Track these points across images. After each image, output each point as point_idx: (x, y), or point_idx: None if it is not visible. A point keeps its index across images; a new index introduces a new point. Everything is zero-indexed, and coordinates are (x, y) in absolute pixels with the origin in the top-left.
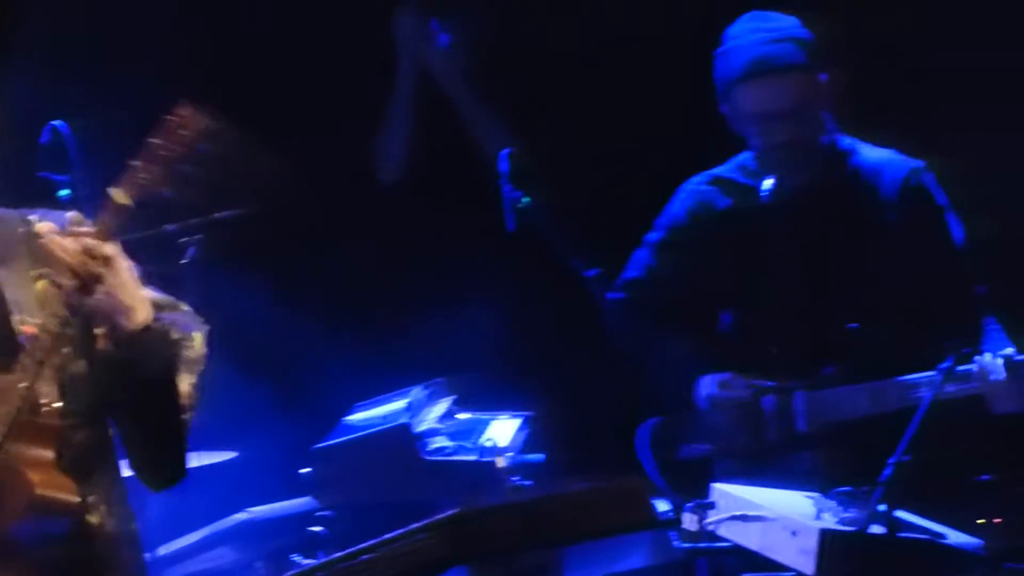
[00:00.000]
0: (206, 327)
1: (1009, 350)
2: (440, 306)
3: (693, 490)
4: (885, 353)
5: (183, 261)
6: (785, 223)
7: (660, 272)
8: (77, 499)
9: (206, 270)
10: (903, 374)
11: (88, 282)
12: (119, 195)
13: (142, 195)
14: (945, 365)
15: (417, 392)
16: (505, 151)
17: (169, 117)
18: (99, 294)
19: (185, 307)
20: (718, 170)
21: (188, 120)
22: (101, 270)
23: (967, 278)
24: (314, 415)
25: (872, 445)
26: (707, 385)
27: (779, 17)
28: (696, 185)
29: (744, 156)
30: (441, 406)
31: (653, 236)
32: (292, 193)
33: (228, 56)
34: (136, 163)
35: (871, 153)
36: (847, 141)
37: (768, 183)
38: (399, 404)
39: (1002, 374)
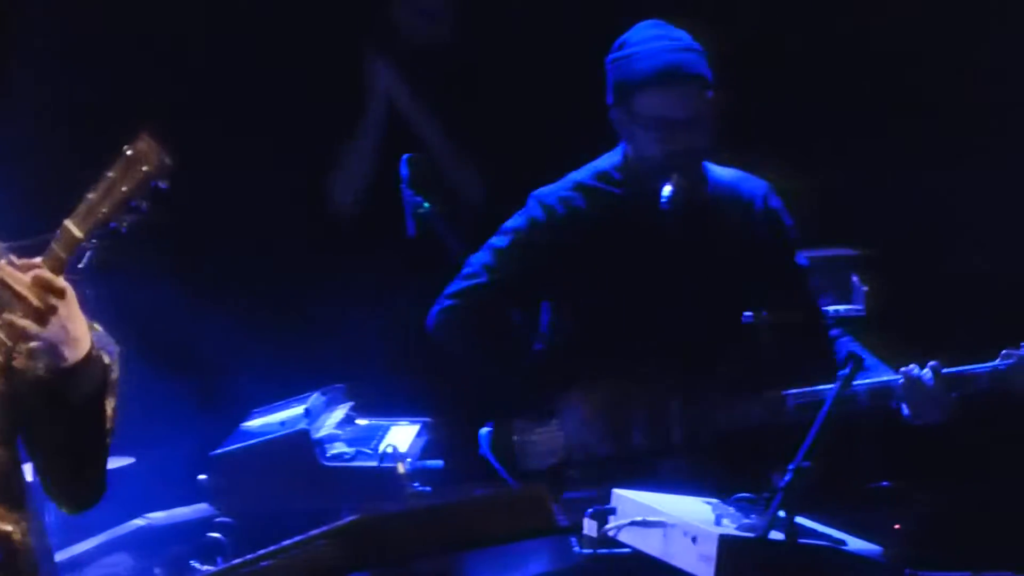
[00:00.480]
0: (119, 347)
1: (933, 362)
2: (338, 311)
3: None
4: (757, 365)
5: (79, 266)
6: (662, 232)
7: (509, 277)
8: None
9: (101, 276)
10: (772, 388)
11: (44, 314)
12: (72, 227)
13: (95, 229)
14: (844, 372)
15: (315, 398)
16: (405, 156)
17: (127, 150)
18: (53, 326)
19: (98, 327)
20: (577, 176)
21: (146, 154)
22: (56, 303)
23: (814, 295)
24: (212, 421)
25: (744, 457)
26: (574, 399)
27: (677, 29)
28: (557, 189)
29: (605, 164)
30: (339, 412)
31: (500, 241)
32: (192, 198)
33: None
34: (91, 195)
35: (721, 171)
36: None
37: (667, 190)
38: (297, 410)
39: (930, 383)
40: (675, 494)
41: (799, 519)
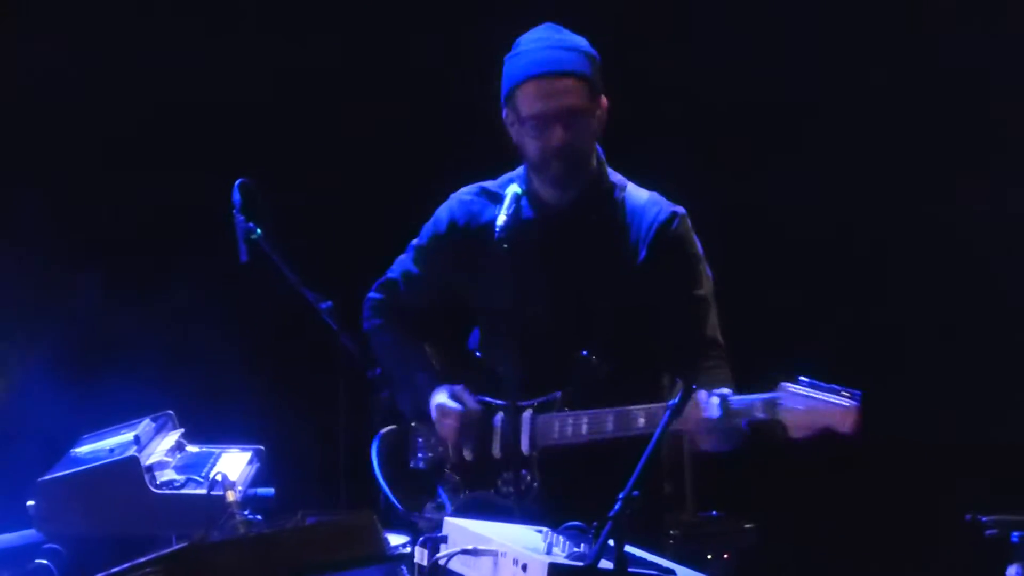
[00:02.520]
0: None
1: (726, 390)
2: (169, 336)
3: (422, 503)
4: (610, 384)
5: None
6: (539, 244)
7: (415, 277)
8: None
9: None
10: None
11: None
12: None
13: None
14: (674, 402)
15: (145, 424)
16: (239, 181)
17: None
18: None
19: None
20: (487, 183)
21: None
22: None
23: (702, 326)
24: (39, 446)
25: (590, 476)
26: (440, 396)
27: (572, 33)
28: (464, 195)
29: (513, 174)
30: (170, 438)
31: (416, 241)
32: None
33: None
34: None
35: (637, 193)
36: (617, 176)
37: (501, 219)
38: (127, 436)
39: (716, 412)
40: (515, 520)
41: (628, 548)
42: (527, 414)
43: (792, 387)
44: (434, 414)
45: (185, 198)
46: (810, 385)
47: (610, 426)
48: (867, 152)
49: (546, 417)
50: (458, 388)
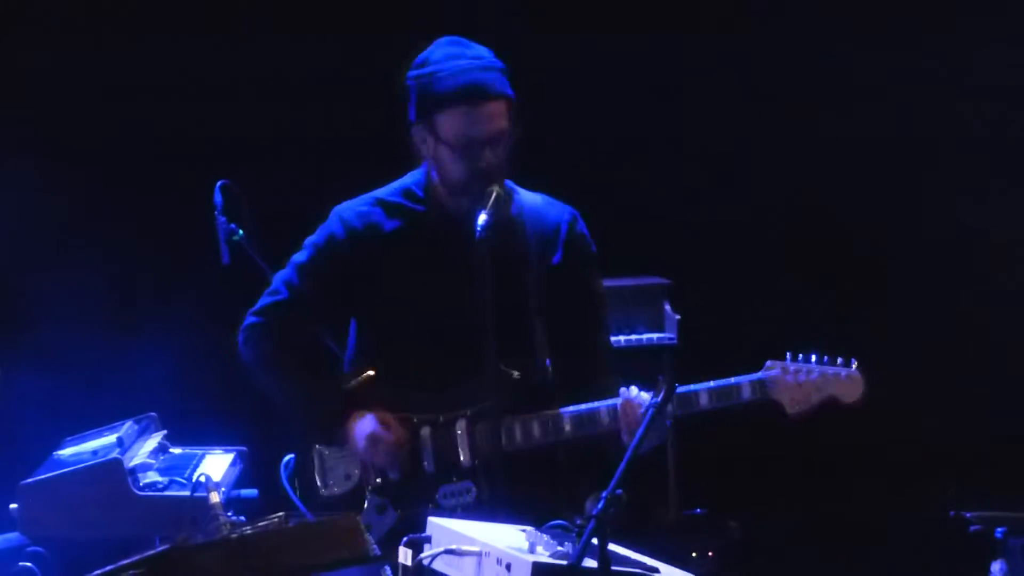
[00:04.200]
0: None
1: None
2: (150, 339)
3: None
4: (536, 390)
5: None
6: (459, 253)
7: (307, 294)
8: None
9: None
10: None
11: None
12: None
13: None
14: (656, 400)
15: (128, 426)
16: (220, 183)
17: None
18: None
19: None
20: (379, 193)
21: None
22: None
23: (604, 326)
24: (23, 449)
25: (534, 479)
26: (365, 424)
27: (477, 45)
28: (357, 206)
29: (408, 181)
30: (152, 440)
31: (301, 256)
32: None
33: None
34: None
35: (528, 196)
36: (508, 182)
37: (483, 218)
38: (110, 439)
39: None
40: (488, 521)
41: (612, 547)
42: (462, 424)
43: (781, 364)
44: (361, 443)
45: (166, 199)
46: (802, 360)
47: (541, 428)
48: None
49: (485, 426)
50: (380, 413)
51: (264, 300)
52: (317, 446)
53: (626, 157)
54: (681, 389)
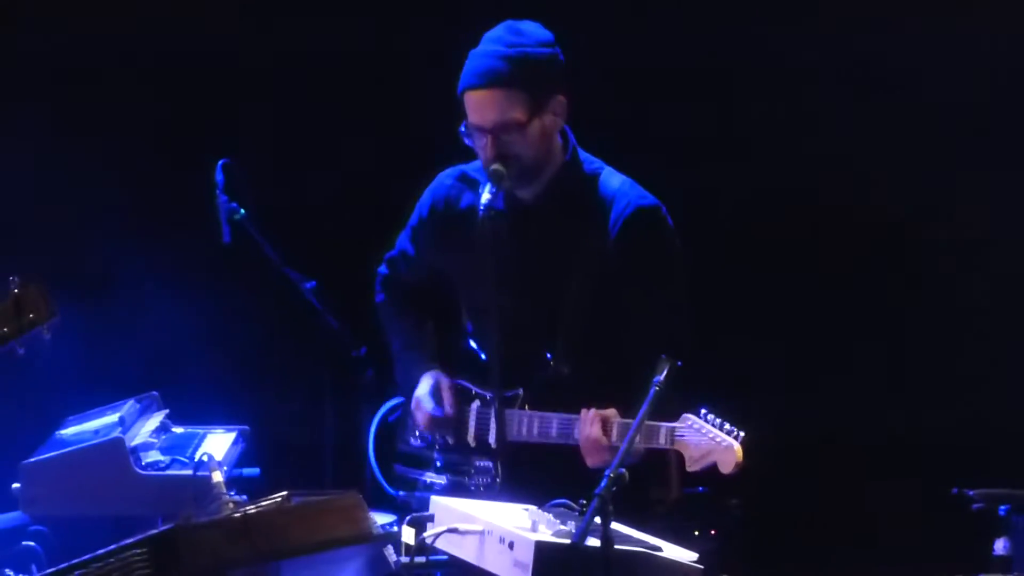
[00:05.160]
0: None
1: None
2: (152, 317)
3: (409, 483)
4: (570, 387)
5: None
6: (510, 235)
7: (410, 256)
8: None
9: None
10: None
11: None
12: None
13: None
14: (659, 378)
15: (130, 405)
16: (221, 161)
17: (15, 288)
18: None
19: None
20: (465, 167)
21: (35, 301)
22: None
23: (661, 332)
24: (25, 428)
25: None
26: (423, 386)
27: (522, 32)
28: (445, 179)
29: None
30: (154, 420)
31: (404, 230)
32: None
33: None
34: None
35: (611, 180)
36: (594, 164)
37: (485, 196)
38: (112, 418)
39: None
40: (495, 500)
41: (615, 525)
42: (495, 407)
43: (691, 419)
44: (413, 399)
45: (169, 177)
46: (704, 419)
47: (554, 432)
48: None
49: (509, 413)
50: (442, 381)
51: (390, 251)
52: (407, 402)
53: None
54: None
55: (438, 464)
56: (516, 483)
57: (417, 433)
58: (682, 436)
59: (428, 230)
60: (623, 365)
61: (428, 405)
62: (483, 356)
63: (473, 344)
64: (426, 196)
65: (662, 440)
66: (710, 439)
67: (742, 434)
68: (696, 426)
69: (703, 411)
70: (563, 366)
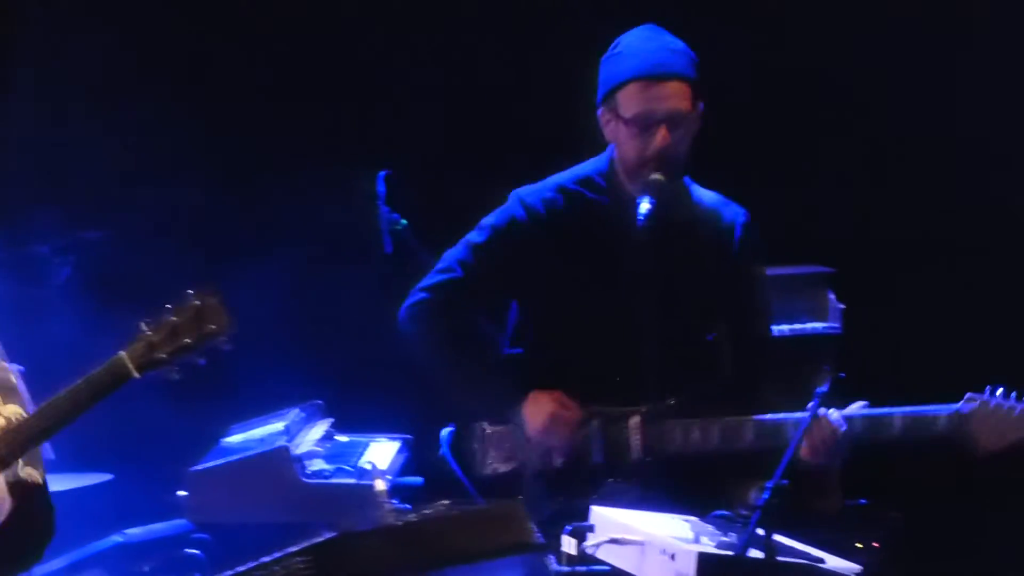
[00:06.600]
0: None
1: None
2: (317, 327)
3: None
4: (720, 390)
5: (55, 282)
6: (639, 245)
7: (482, 275)
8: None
9: (78, 291)
10: (732, 413)
11: None
12: (129, 363)
13: (150, 370)
14: (823, 390)
15: (295, 414)
16: (382, 173)
17: (195, 300)
18: None
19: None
20: (560, 179)
21: (215, 313)
22: None
23: (770, 329)
24: (191, 436)
25: (695, 480)
26: (547, 403)
27: (672, 36)
28: (542, 192)
29: (587, 169)
30: (319, 428)
31: (479, 237)
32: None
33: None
34: (150, 333)
35: (703, 193)
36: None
37: (644, 206)
38: (277, 426)
39: (843, 426)
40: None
41: (777, 537)
42: (635, 420)
43: (981, 398)
44: (538, 422)
45: (332, 189)
46: (1002, 396)
47: (720, 436)
48: None
49: (665, 424)
50: (561, 396)
51: (435, 277)
52: (481, 423)
53: (790, 143)
54: (875, 412)
55: (538, 489)
56: (656, 497)
57: (496, 462)
58: (974, 419)
59: (525, 243)
60: (748, 361)
61: (572, 418)
62: (603, 372)
63: (576, 361)
64: (516, 209)
65: (943, 426)
66: (1022, 412)
67: None
68: (993, 404)
69: (988, 388)
70: (719, 370)
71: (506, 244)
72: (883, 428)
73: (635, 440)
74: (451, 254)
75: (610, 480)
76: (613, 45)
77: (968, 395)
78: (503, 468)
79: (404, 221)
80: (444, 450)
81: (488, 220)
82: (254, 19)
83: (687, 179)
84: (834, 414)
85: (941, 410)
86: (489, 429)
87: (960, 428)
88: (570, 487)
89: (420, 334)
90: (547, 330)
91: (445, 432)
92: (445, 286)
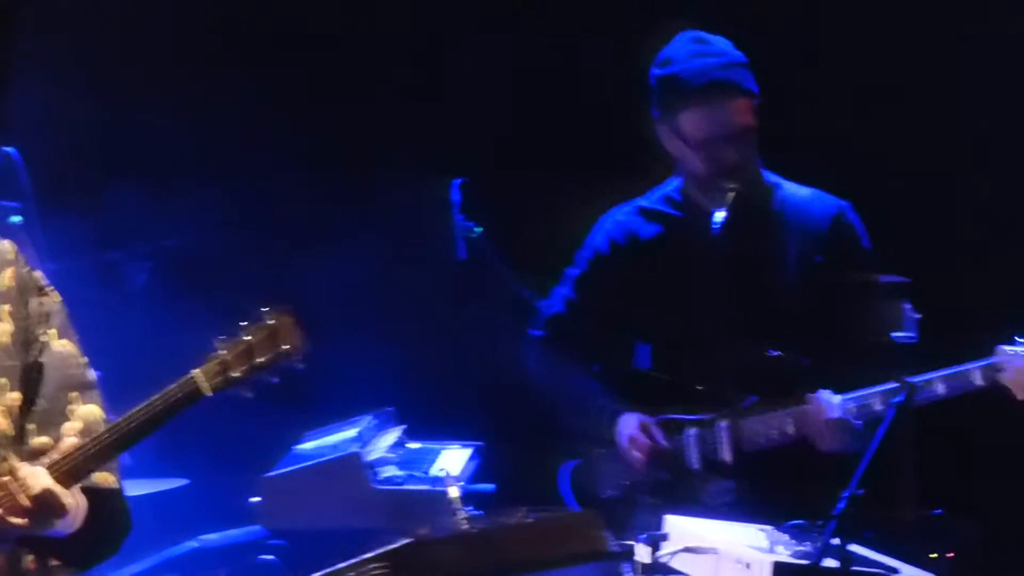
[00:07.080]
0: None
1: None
2: (391, 334)
3: (618, 527)
4: (806, 382)
5: (132, 287)
6: (716, 254)
7: (582, 306)
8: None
9: (154, 297)
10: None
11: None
12: (202, 382)
13: (224, 389)
14: (898, 399)
15: (367, 421)
16: (457, 181)
17: (269, 319)
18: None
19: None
20: (641, 201)
21: (289, 331)
22: (54, 519)
23: (873, 323)
24: (265, 443)
25: (796, 477)
26: (628, 425)
27: (717, 39)
28: (620, 216)
29: (667, 187)
30: (391, 435)
31: (574, 270)
32: (239, 224)
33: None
34: (224, 352)
35: (795, 189)
36: (772, 176)
37: (720, 215)
38: (350, 433)
39: (837, 412)
40: (728, 520)
41: (853, 547)
42: (723, 423)
43: (1012, 348)
44: (624, 443)
45: (405, 195)
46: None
47: (791, 428)
48: None
49: (750, 422)
50: (645, 419)
51: (543, 315)
52: (597, 450)
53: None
54: (915, 379)
55: (653, 504)
56: (757, 497)
57: (613, 484)
58: (1005, 369)
59: (611, 269)
60: (843, 359)
61: (646, 439)
62: (689, 381)
63: (670, 372)
64: (599, 239)
65: (978, 380)
66: None
67: None
68: (1018, 351)
69: (1016, 337)
70: (797, 362)
71: (596, 276)
72: (928, 391)
73: (725, 443)
74: (556, 290)
75: (711, 484)
76: (661, 59)
77: (998, 347)
78: (618, 491)
79: (479, 229)
80: (563, 486)
81: (580, 253)
82: (342, 19)
83: (776, 177)
84: (833, 399)
85: (974, 365)
86: (603, 454)
87: (996, 379)
88: (677, 498)
89: (534, 370)
90: (642, 347)
91: (565, 467)
92: (552, 321)
